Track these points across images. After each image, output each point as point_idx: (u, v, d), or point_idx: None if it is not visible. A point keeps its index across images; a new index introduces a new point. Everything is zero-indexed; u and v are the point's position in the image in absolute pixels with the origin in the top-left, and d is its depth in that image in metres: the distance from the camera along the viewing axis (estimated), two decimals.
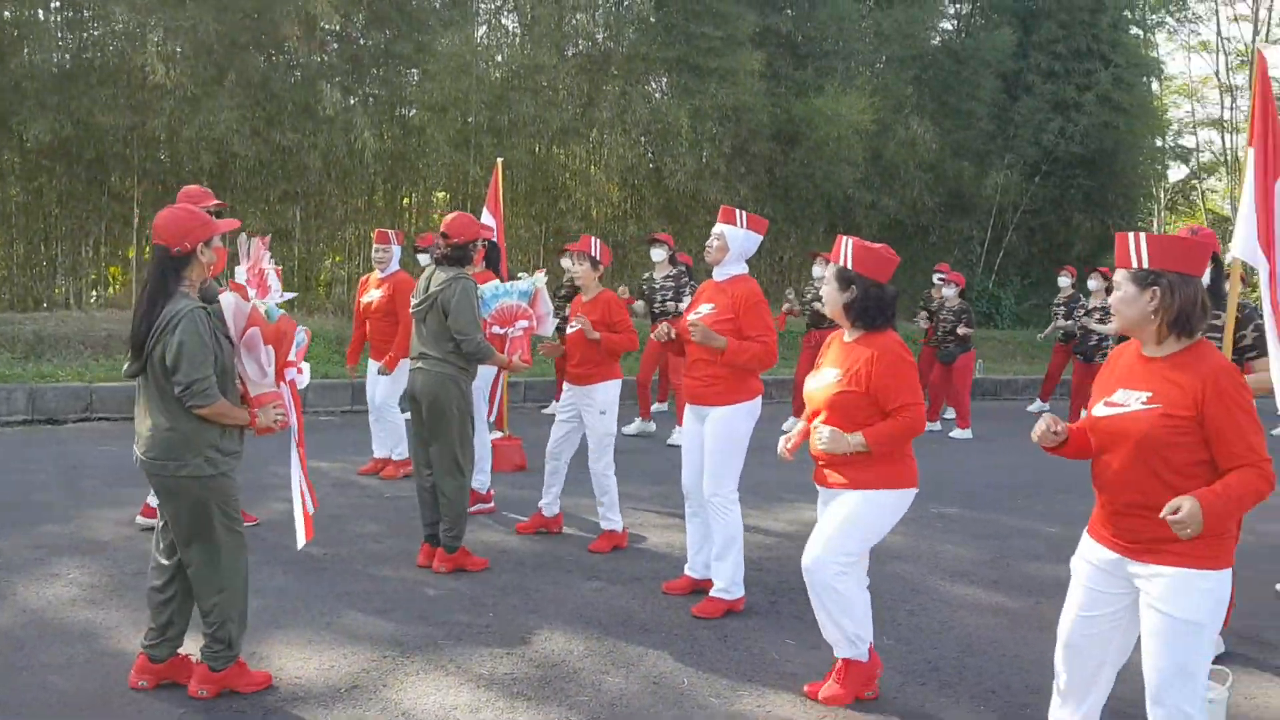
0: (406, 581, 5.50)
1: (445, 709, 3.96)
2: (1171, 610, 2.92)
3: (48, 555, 5.68)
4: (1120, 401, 3.01)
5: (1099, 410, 3.08)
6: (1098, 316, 11.03)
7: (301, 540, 4.23)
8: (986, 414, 12.91)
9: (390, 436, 8.04)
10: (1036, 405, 13.55)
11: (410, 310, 5.84)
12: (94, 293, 14.90)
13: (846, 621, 4.04)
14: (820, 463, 4.10)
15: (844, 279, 3.98)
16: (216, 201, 6.14)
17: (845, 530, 3.98)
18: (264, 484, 7.27)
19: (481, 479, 6.91)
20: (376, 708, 3.95)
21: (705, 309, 5.12)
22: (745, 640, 4.82)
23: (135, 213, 14.49)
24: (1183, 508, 2.76)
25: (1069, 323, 11.90)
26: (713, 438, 5.10)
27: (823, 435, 3.92)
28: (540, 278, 5.96)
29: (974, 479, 8.76)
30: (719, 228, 5.15)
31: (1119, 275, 3.06)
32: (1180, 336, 2.96)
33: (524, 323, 5.89)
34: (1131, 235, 3.03)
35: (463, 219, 5.78)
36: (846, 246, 4.02)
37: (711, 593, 5.18)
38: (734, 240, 5.10)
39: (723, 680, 4.34)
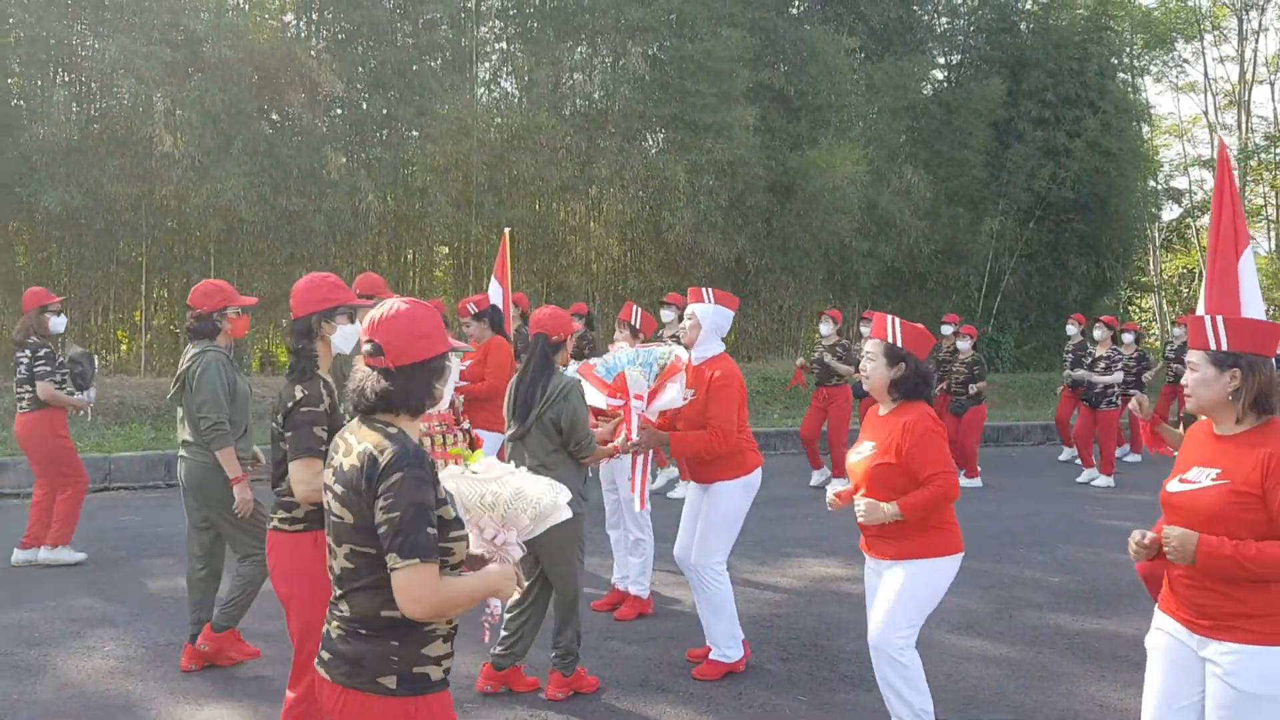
0: None
1: None
2: (1241, 684, 2.93)
3: (82, 628, 5.79)
4: (1193, 479, 3.08)
5: (1173, 486, 3.14)
6: (1101, 367, 11.22)
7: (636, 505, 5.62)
8: (988, 461, 12.97)
9: None
10: (1067, 454, 13.23)
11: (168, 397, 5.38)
12: (107, 359, 15.05)
13: (911, 694, 4.07)
14: (867, 533, 4.19)
15: (894, 356, 4.08)
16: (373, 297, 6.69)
17: (902, 604, 4.04)
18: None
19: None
20: None
21: (687, 393, 5.17)
22: (759, 698, 4.94)
23: (143, 279, 14.72)
24: (1173, 534, 2.94)
25: (1079, 372, 11.87)
26: (708, 511, 5.22)
27: (859, 509, 4.05)
28: (679, 349, 5.30)
29: (977, 528, 8.82)
30: (690, 307, 5.24)
31: (1195, 356, 3.10)
32: (1260, 414, 3.04)
33: (639, 404, 5.15)
34: (1208, 318, 3.09)
35: (206, 287, 5.19)
36: (895, 326, 4.11)
37: (710, 656, 5.28)
38: (705, 317, 5.18)
39: None
